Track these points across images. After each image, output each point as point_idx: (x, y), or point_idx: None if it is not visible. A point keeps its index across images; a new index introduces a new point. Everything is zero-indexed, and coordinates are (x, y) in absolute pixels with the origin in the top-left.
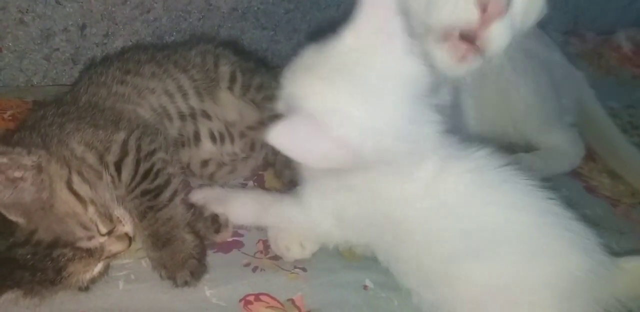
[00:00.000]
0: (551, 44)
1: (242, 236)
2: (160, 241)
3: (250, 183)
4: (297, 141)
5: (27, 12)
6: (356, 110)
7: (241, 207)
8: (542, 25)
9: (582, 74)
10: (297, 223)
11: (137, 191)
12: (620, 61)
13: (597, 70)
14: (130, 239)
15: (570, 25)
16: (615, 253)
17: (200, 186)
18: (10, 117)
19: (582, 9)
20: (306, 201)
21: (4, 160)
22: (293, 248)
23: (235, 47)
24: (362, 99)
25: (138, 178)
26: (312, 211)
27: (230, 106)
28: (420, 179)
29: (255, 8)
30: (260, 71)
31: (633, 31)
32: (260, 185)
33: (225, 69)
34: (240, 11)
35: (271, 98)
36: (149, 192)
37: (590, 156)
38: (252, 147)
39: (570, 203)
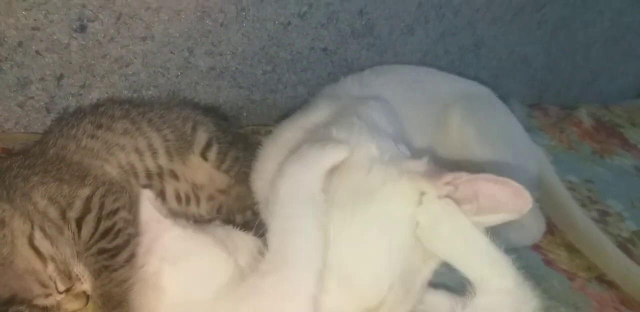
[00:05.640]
0: (514, 120)
1: None
2: (111, 303)
3: None
4: None
5: (6, 60)
6: None
7: None
8: (507, 97)
9: (542, 150)
10: None
11: (94, 249)
12: (581, 136)
13: (558, 145)
14: (87, 298)
15: (535, 98)
16: None
17: None
18: None
19: (548, 84)
20: None
21: None
22: None
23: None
24: None
25: (97, 236)
26: None
27: (200, 170)
28: None
29: (233, 68)
30: (238, 145)
31: (595, 107)
32: None
33: (202, 136)
34: (218, 70)
35: (246, 172)
36: (106, 251)
37: (549, 229)
38: (219, 210)
39: (528, 275)
